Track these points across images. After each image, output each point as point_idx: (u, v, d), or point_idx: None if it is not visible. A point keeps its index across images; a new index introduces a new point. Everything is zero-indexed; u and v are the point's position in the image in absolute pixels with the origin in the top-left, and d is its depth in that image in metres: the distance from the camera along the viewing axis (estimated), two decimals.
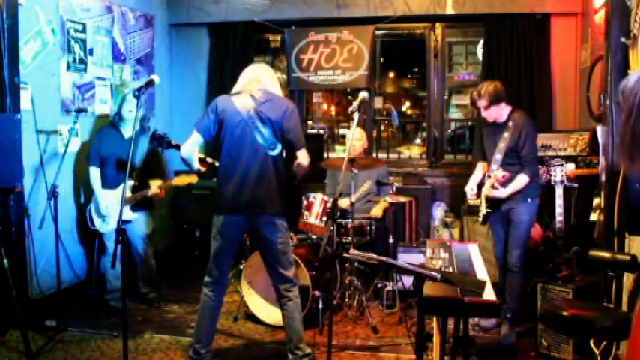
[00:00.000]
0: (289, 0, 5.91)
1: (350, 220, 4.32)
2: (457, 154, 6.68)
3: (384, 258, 2.32)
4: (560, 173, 3.71)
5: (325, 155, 6.42)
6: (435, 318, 3.09)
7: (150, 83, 3.09)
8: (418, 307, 2.26)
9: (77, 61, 4.80)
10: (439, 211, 5.56)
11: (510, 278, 3.83)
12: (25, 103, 4.10)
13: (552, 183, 3.72)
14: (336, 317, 4.23)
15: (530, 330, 3.81)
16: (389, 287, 4.48)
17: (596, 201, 3.68)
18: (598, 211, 3.58)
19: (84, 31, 4.86)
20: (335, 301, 4.32)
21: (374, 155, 6.35)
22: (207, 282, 3.34)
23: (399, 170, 6.00)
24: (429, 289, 2.17)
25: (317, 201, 4.26)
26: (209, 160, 3.45)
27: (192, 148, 3.27)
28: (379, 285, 4.56)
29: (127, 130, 4.38)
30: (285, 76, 6.17)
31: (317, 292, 3.99)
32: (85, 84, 4.90)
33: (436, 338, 2.93)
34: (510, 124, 3.75)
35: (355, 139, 4.62)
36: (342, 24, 5.91)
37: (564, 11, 5.46)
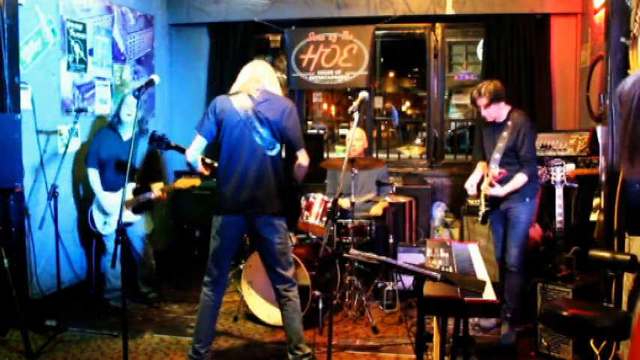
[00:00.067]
0: (289, 0, 5.91)
1: (350, 220, 4.32)
2: (457, 154, 6.68)
3: (384, 258, 2.32)
4: (560, 173, 3.71)
5: (325, 155, 6.42)
6: (435, 318, 3.09)
7: (150, 83, 3.09)
8: (418, 307, 2.26)
9: (77, 61, 4.80)
10: (439, 211, 5.56)
11: (509, 278, 3.83)
12: (25, 103, 4.10)
13: (552, 183, 3.72)
14: (336, 317, 4.23)
15: (530, 330, 3.81)
16: (389, 287, 4.48)
17: (596, 201, 3.68)
18: (598, 211, 3.58)
19: (84, 31, 4.86)
20: (335, 301, 4.32)
21: (374, 155, 6.35)
22: (206, 282, 3.34)
23: (399, 170, 6.00)
24: (429, 289, 2.17)
25: (317, 201, 4.26)
26: (208, 160, 3.45)
27: (197, 152, 3.26)
28: (379, 285, 4.56)
29: (126, 133, 4.38)
30: (285, 76, 6.17)
31: (317, 292, 3.99)
32: (85, 84, 4.90)
33: (436, 338, 2.93)
34: (509, 123, 3.76)
35: (355, 139, 4.62)
36: (342, 24, 5.91)
37: (564, 11, 5.46)
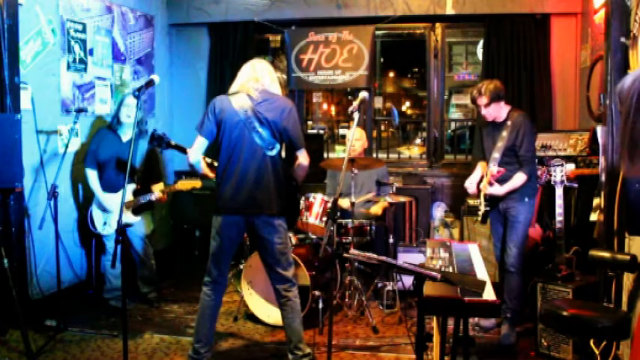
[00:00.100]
0: (289, 0, 5.91)
1: (350, 220, 4.32)
2: (457, 154, 6.68)
3: (384, 258, 2.32)
4: (560, 173, 3.71)
5: (325, 155, 6.42)
6: (435, 318, 3.09)
7: (150, 83, 3.08)
8: (418, 307, 2.26)
9: (77, 61, 4.80)
10: (439, 211, 5.57)
11: (509, 279, 3.83)
12: (25, 103, 4.10)
13: (552, 183, 3.72)
14: (336, 317, 4.23)
15: (530, 330, 3.81)
16: (389, 287, 4.48)
17: (596, 201, 3.68)
18: (598, 211, 3.58)
19: (84, 31, 4.86)
20: (335, 301, 4.32)
21: (374, 155, 6.35)
22: (206, 282, 3.34)
23: (399, 170, 6.00)
24: (429, 289, 2.17)
25: (317, 201, 4.26)
26: (207, 159, 3.45)
27: (199, 153, 3.26)
28: (379, 285, 4.56)
29: (125, 134, 4.38)
30: (285, 76, 6.17)
31: (317, 292, 3.99)
32: (85, 84, 4.90)
33: (436, 338, 2.93)
34: (509, 123, 3.76)
35: (355, 139, 4.62)
36: (342, 24, 5.91)
37: (564, 11, 5.46)
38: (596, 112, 4.77)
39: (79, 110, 4.37)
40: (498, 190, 3.73)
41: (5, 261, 3.53)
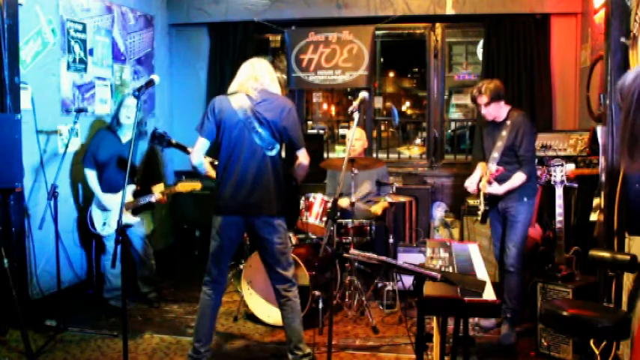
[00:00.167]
0: (289, 0, 5.91)
1: (350, 220, 4.32)
2: (457, 154, 6.68)
3: (384, 258, 2.32)
4: (560, 173, 3.71)
5: (325, 155, 6.42)
6: (435, 318, 3.09)
7: (150, 83, 3.08)
8: (418, 307, 2.26)
9: (77, 61, 4.80)
10: (439, 211, 5.56)
11: (508, 278, 3.83)
12: (25, 103, 4.10)
13: (552, 183, 3.73)
14: (336, 317, 4.23)
15: (530, 330, 3.81)
16: (389, 287, 4.48)
17: (596, 201, 3.68)
18: (598, 211, 3.58)
19: (84, 31, 4.86)
20: (335, 301, 4.32)
21: (374, 155, 6.35)
22: (206, 281, 3.34)
23: (399, 170, 6.00)
24: (429, 289, 2.17)
25: (317, 201, 4.26)
26: (209, 158, 3.45)
27: (202, 155, 3.25)
28: (379, 285, 4.56)
29: (125, 135, 4.38)
30: (285, 76, 6.17)
31: (317, 292, 3.99)
32: (85, 84, 4.90)
33: (436, 338, 2.93)
34: (508, 122, 3.76)
35: (355, 139, 4.62)
36: (342, 24, 5.91)
37: (564, 11, 5.47)
38: (596, 112, 4.77)
39: (79, 110, 4.36)
40: (497, 189, 3.73)
41: (5, 261, 3.53)
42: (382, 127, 9.42)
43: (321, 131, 7.44)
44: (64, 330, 3.93)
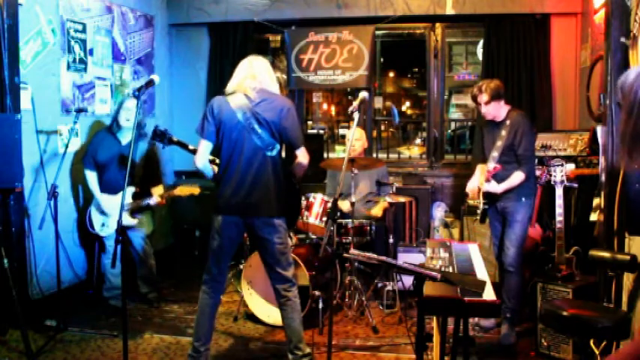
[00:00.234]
0: (289, 0, 5.91)
1: (350, 221, 4.32)
2: (457, 154, 6.68)
3: (384, 258, 2.32)
4: (560, 173, 3.71)
5: (325, 155, 6.42)
6: (435, 318, 3.09)
7: (150, 83, 3.07)
8: (418, 307, 2.26)
9: (77, 61, 4.80)
10: (439, 211, 5.56)
11: (507, 278, 3.83)
12: (25, 103, 4.10)
13: (552, 183, 3.73)
14: (336, 317, 4.23)
15: (530, 330, 3.81)
16: (389, 287, 4.49)
17: (596, 201, 3.68)
18: (598, 211, 3.58)
19: (84, 31, 4.86)
20: (335, 301, 4.32)
21: (374, 155, 6.35)
22: (205, 280, 3.34)
23: (399, 170, 6.00)
24: (429, 289, 2.17)
25: (317, 201, 4.26)
26: (210, 157, 3.44)
27: (206, 157, 3.24)
28: (379, 285, 4.56)
29: (125, 137, 4.38)
30: (285, 76, 6.17)
31: (317, 292, 3.99)
32: (85, 84, 4.90)
33: (436, 338, 2.93)
34: (508, 122, 3.77)
35: (355, 139, 4.62)
36: (342, 24, 5.91)
37: (564, 11, 5.47)
38: (596, 112, 4.77)
39: (79, 110, 4.36)
40: (496, 187, 3.74)
41: (5, 261, 3.53)
42: (382, 127, 9.42)
43: (321, 131, 7.44)
44: (64, 330, 3.93)
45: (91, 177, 4.33)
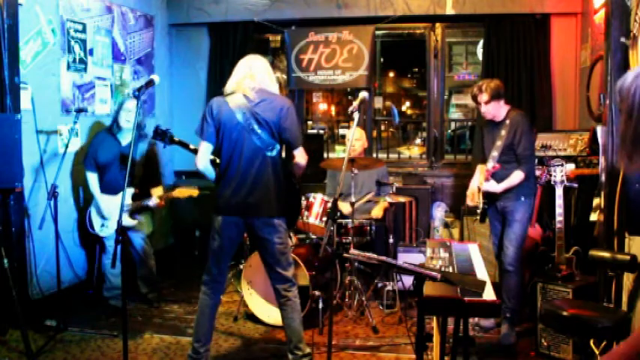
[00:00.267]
0: (289, 0, 5.91)
1: (350, 221, 4.32)
2: (457, 154, 6.68)
3: (384, 258, 2.32)
4: (560, 173, 3.71)
5: (325, 155, 6.41)
6: (435, 318, 3.09)
7: (150, 83, 3.07)
8: (418, 307, 2.26)
9: (77, 61, 4.80)
10: (439, 211, 5.56)
11: (507, 278, 3.82)
12: (25, 103, 4.10)
13: (552, 183, 3.73)
14: (336, 317, 4.23)
15: (530, 330, 3.81)
16: (389, 287, 4.48)
17: (596, 201, 3.69)
18: (598, 211, 3.58)
19: (84, 31, 4.86)
20: (335, 301, 4.32)
21: (374, 155, 6.35)
22: (205, 280, 3.34)
23: (399, 170, 6.00)
24: (429, 289, 2.17)
25: (317, 201, 4.26)
26: (211, 156, 3.44)
27: (207, 159, 3.23)
28: (379, 285, 4.56)
29: (125, 138, 4.38)
30: (285, 76, 6.17)
31: (317, 292, 3.99)
32: (85, 84, 4.90)
33: (436, 338, 2.93)
34: (507, 122, 3.78)
35: (355, 139, 4.62)
36: (342, 24, 5.91)
37: (564, 11, 5.47)
38: (596, 112, 4.77)
39: (79, 110, 4.36)
40: (495, 186, 3.74)
41: (5, 261, 3.53)
42: (382, 127, 9.42)
43: (321, 131, 7.44)
44: (64, 330, 3.93)
45: (92, 179, 4.33)
